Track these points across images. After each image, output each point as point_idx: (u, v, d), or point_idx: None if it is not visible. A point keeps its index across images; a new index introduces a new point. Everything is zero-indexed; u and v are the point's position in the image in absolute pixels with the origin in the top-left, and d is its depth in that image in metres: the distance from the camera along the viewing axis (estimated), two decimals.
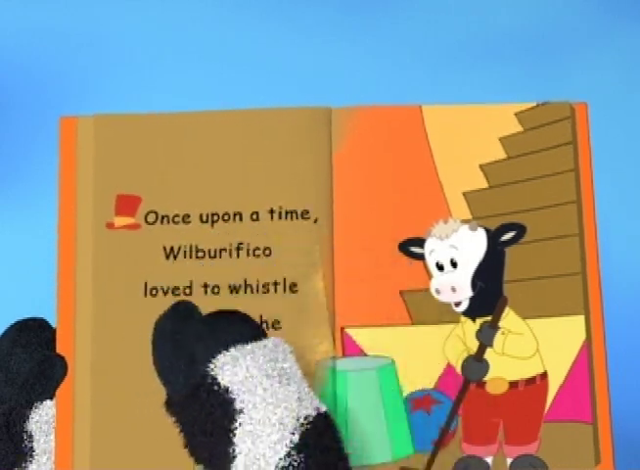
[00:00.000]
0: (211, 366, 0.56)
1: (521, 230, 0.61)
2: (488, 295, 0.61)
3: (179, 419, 0.57)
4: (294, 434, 0.54)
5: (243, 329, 0.57)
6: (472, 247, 0.61)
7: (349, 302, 0.60)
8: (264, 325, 0.60)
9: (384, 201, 0.61)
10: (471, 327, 0.60)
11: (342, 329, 0.60)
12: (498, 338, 0.60)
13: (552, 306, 0.60)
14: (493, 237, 0.61)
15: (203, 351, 0.56)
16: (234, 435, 0.54)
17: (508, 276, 0.61)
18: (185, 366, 0.56)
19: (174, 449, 0.58)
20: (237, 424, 0.55)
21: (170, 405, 0.57)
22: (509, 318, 0.60)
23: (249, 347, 0.56)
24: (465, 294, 0.61)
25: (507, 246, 0.61)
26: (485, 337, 0.60)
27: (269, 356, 0.56)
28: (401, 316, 0.60)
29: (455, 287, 0.61)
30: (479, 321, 0.60)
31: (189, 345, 0.56)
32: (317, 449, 0.54)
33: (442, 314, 0.60)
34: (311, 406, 0.55)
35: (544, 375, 0.60)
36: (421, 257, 0.61)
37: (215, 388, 0.55)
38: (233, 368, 0.55)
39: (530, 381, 0.60)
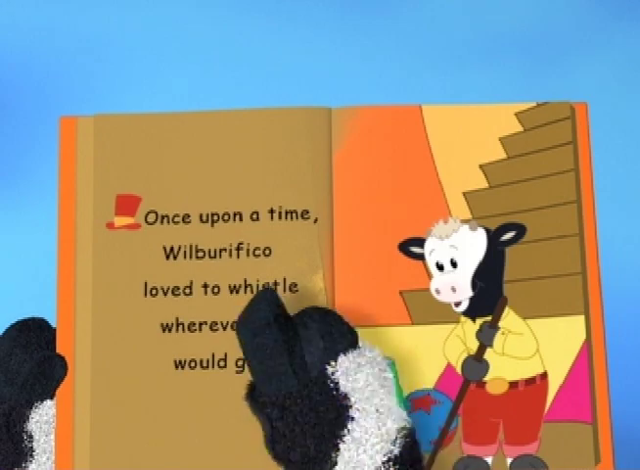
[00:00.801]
0: (331, 369, 0.55)
1: (521, 230, 0.61)
2: (488, 295, 0.61)
3: (275, 417, 0.55)
4: (394, 445, 0.54)
5: (350, 333, 0.56)
6: (472, 247, 0.61)
7: (349, 302, 0.60)
8: None
9: (384, 201, 0.61)
10: (471, 327, 0.60)
11: None
12: (498, 338, 0.60)
13: (552, 306, 0.60)
14: (493, 237, 0.61)
15: (319, 349, 0.55)
16: (342, 441, 0.54)
17: (508, 276, 0.61)
18: (298, 361, 0.55)
19: (174, 449, 0.58)
20: (346, 431, 0.54)
21: (262, 402, 0.55)
22: (509, 318, 0.60)
23: (368, 354, 0.56)
24: (465, 294, 0.61)
25: (507, 246, 0.61)
26: (485, 337, 0.60)
27: (381, 366, 0.56)
28: (401, 316, 0.60)
29: (455, 287, 0.61)
30: (479, 321, 0.60)
31: (299, 340, 0.55)
32: (409, 463, 0.54)
33: (442, 314, 0.60)
34: (405, 419, 0.55)
35: (544, 375, 0.60)
36: (421, 257, 0.61)
37: (334, 392, 0.55)
38: (355, 375, 0.55)
39: (530, 381, 0.60)
